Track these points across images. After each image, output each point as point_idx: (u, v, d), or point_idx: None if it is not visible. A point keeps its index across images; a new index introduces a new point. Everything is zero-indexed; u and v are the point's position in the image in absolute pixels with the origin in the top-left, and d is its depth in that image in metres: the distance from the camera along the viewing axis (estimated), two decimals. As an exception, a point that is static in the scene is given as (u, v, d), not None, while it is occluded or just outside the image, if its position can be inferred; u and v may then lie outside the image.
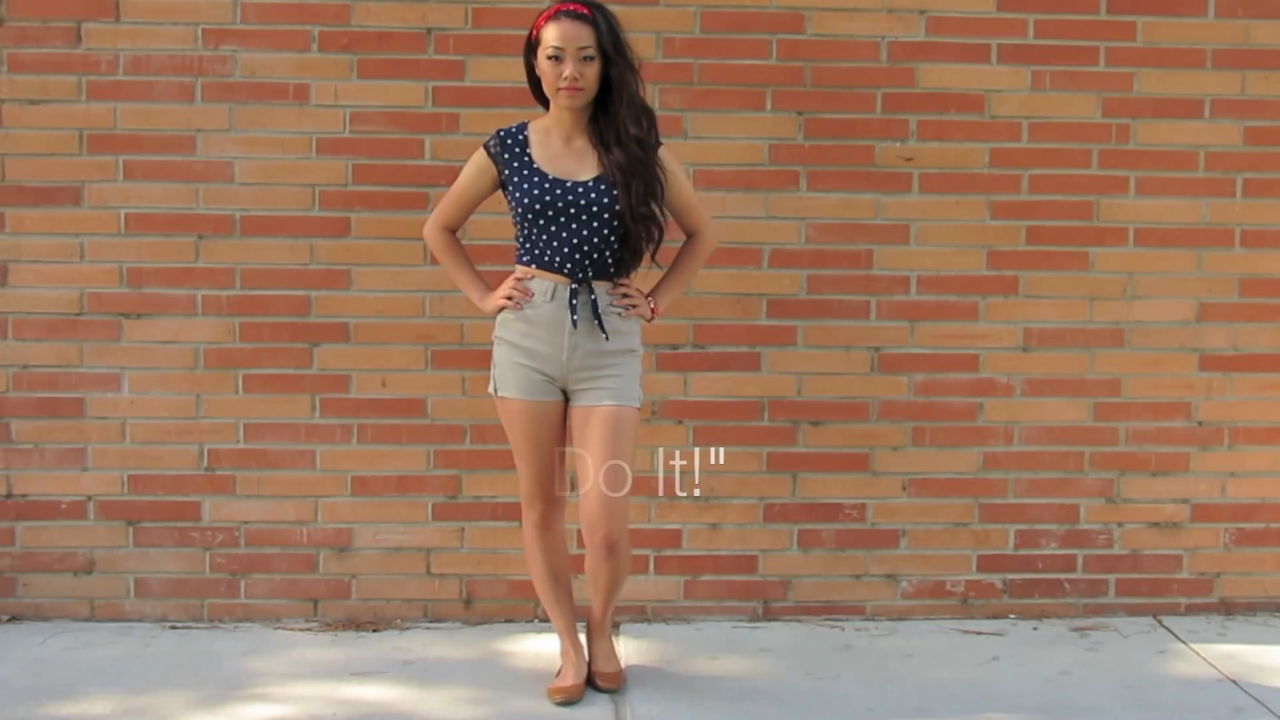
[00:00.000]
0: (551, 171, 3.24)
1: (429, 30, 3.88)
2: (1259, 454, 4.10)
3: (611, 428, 3.24)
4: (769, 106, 3.94)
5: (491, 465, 3.97)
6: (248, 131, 3.87)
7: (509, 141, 3.29)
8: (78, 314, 3.90)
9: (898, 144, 3.97)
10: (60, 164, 3.86)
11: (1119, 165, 4.01)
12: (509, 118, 3.84)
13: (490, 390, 3.38)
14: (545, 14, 3.21)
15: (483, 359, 3.92)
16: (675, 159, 3.34)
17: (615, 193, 3.20)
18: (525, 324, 3.28)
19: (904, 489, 4.06)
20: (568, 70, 3.14)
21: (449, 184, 3.88)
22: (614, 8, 3.26)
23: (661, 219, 3.29)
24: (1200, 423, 4.09)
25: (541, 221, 3.23)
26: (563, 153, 3.27)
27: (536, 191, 3.22)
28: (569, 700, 3.38)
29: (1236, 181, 4.04)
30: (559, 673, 3.49)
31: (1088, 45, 3.97)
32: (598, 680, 3.47)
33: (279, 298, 3.92)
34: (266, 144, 3.88)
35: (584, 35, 3.15)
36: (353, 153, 3.89)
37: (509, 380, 3.32)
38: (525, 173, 3.25)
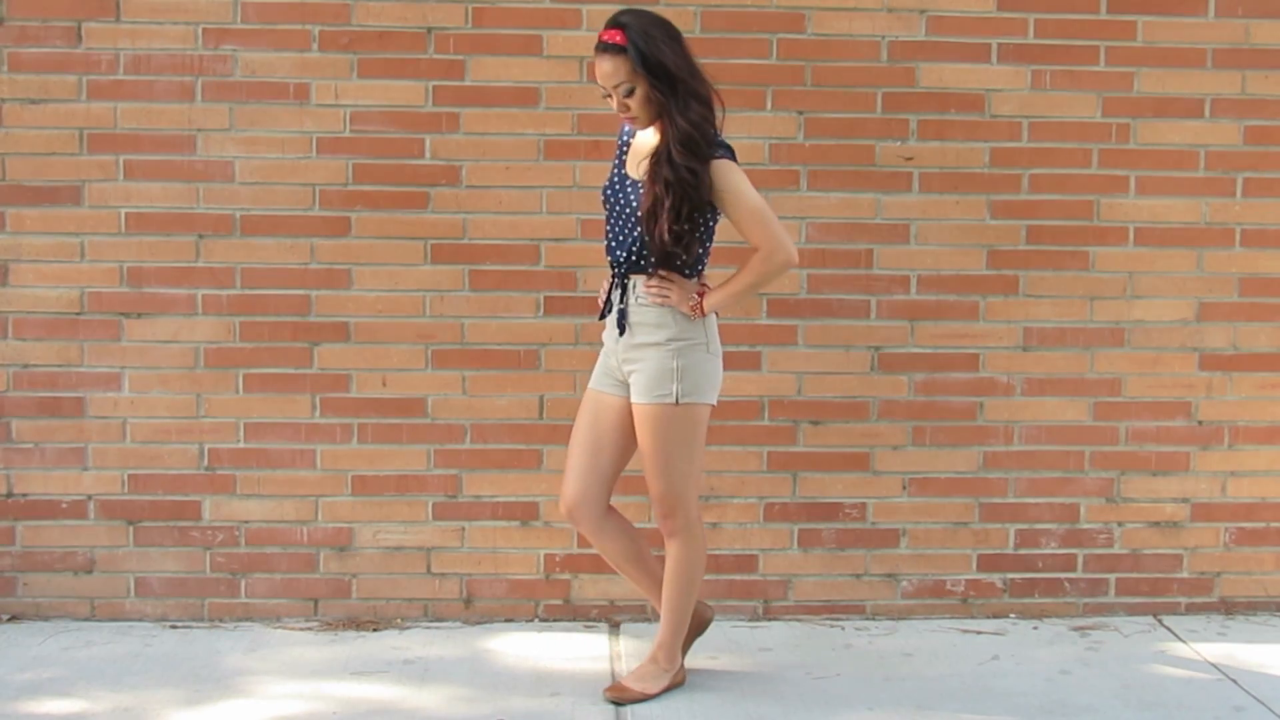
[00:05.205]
0: (627, 165, 3.29)
1: (429, 29, 3.88)
2: (1259, 453, 4.10)
3: (641, 423, 3.25)
4: (769, 106, 3.94)
5: (491, 465, 3.97)
6: (248, 131, 3.87)
7: (623, 132, 3.37)
8: (78, 313, 3.90)
9: (898, 143, 3.97)
10: (60, 163, 3.86)
11: (1119, 165, 4.01)
12: (509, 117, 3.87)
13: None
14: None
15: (482, 358, 3.94)
16: (734, 172, 3.13)
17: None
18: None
19: (904, 488, 4.06)
20: (614, 105, 3.16)
21: (449, 184, 3.91)
22: (610, 8, 3.24)
23: (700, 237, 3.17)
24: (1200, 422, 4.09)
25: (605, 213, 3.32)
26: (643, 149, 3.25)
27: (605, 183, 3.33)
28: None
29: (1237, 181, 4.04)
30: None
31: (1088, 45, 3.97)
32: (606, 691, 3.38)
33: (279, 297, 3.92)
34: (267, 143, 3.88)
35: (616, 71, 3.07)
36: (353, 152, 3.89)
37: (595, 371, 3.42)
38: (614, 163, 3.35)
